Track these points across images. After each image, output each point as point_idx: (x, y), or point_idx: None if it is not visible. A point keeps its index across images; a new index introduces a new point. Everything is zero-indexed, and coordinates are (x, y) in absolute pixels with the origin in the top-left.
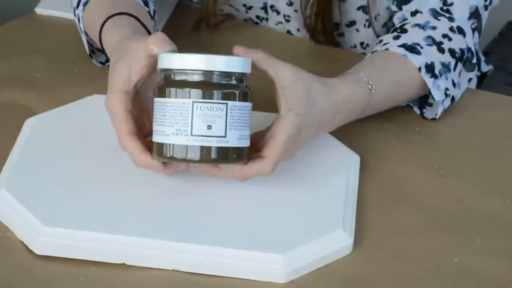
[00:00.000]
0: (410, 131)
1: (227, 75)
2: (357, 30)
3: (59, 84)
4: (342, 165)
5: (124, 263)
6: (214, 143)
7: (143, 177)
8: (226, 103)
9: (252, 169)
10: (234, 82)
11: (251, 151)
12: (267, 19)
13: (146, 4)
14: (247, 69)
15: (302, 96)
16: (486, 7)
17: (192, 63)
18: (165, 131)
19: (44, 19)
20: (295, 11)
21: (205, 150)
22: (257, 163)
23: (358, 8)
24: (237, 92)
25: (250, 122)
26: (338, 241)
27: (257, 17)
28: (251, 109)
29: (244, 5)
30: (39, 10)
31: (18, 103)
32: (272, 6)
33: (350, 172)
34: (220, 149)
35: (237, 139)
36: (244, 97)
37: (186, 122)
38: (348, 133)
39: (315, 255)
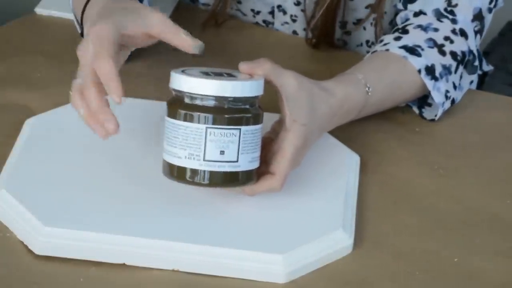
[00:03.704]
0: (410, 132)
1: (240, 100)
2: (364, 28)
3: (59, 84)
4: (342, 166)
5: (124, 263)
6: (226, 168)
7: (143, 177)
8: (240, 129)
9: (262, 187)
10: (247, 106)
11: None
12: (273, 24)
13: (141, 1)
14: (260, 92)
15: (305, 105)
16: (490, 10)
17: (206, 88)
18: (177, 153)
19: (44, 19)
20: (302, 11)
21: (216, 174)
22: (267, 181)
23: (367, 7)
24: (250, 116)
25: (261, 142)
26: (338, 241)
27: (264, 21)
28: (262, 129)
29: (252, 10)
30: (39, 10)
31: (18, 103)
32: (279, 6)
33: (350, 173)
34: (231, 174)
35: (249, 162)
36: (256, 120)
37: (199, 147)
38: (348, 133)
39: (315, 255)
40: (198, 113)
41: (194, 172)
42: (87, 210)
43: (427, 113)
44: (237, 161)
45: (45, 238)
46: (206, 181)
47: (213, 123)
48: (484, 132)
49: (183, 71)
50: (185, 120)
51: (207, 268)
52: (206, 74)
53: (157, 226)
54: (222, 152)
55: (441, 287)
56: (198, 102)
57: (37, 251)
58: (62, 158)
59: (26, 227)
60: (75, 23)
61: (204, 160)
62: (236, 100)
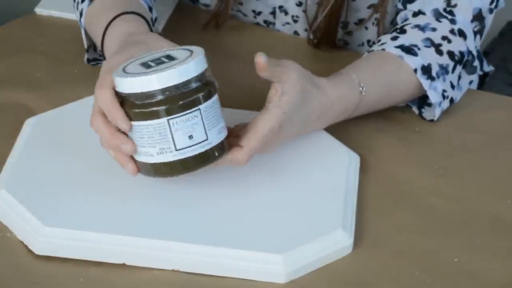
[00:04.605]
0: (410, 131)
1: (189, 82)
2: (366, 28)
3: (59, 84)
4: (342, 165)
5: (124, 263)
6: (199, 149)
7: (143, 177)
8: (199, 108)
9: (226, 158)
10: (198, 84)
11: (231, 137)
12: (274, 24)
13: (150, 10)
14: (204, 66)
15: (295, 100)
16: (491, 10)
17: (153, 84)
18: (148, 152)
19: (44, 19)
20: (304, 11)
21: (191, 159)
22: (233, 153)
23: (369, 7)
24: (204, 92)
25: (221, 110)
26: (338, 241)
27: (265, 21)
28: (219, 98)
29: (253, 11)
30: (39, 10)
31: (18, 103)
32: (281, 7)
33: (350, 172)
34: (205, 152)
35: (217, 134)
36: (210, 94)
37: (167, 140)
38: (348, 133)
39: (315, 255)
40: (154, 109)
41: (170, 164)
42: (87, 210)
43: (427, 113)
44: (207, 139)
45: (45, 238)
46: (184, 170)
47: (172, 114)
48: (484, 132)
49: (124, 70)
50: (144, 119)
51: (207, 268)
52: (147, 66)
53: (157, 226)
54: (191, 137)
55: (441, 287)
56: (150, 99)
57: (37, 251)
58: (62, 158)
59: (26, 227)
60: (83, 36)
61: (176, 150)
62: (185, 83)
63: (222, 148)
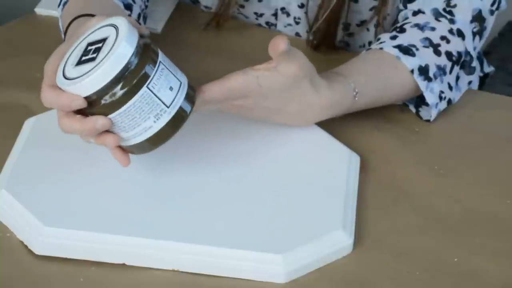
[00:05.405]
0: (410, 131)
1: (136, 48)
2: (368, 29)
3: None
4: (342, 165)
5: (124, 263)
6: (182, 94)
7: (143, 177)
8: (160, 62)
9: None
10: (140, 48)
11: None
12: (275, 25)
13: (129, 7)
14: (136, 34)
15: (279, 85)
16: (492, 12)
17: (112, 71)
18: (146, 126)
19: (44, 19)
20: (306, 13)
21: (183, 105)
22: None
23: (371, 9)
24: (153, 47)
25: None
26: (338, 241)
27: (267, 23)
28: None
29: (255, 13)
30: (39, 10)
31: (18, 103)
32: (283, 9)
33: (350, 172)
34: (188, 93)
35: (181, 75)
36: (156, 47)
37: (156, 104)
38: (348, 133)
39: (315, 255)
40: (131, 86)
41: (172, 121)
42: (87, 210)
43: (424, 112)
44: (181, 82)
45: (45, 238)
46: (183, 119)
47: (147, 79)
48: (483, 132)
49: (66, 77)
50: (128, 100)
51: (207, 268)
52: (85, 61)
53: (157, 226)
54: (171, 88)
55: (441, 287)
56: (120, 83)
57: (37, 251)
58: (62, 158)
59: (26, 227)
60: (63, 37)
61: (168, 107)
62: (137, 51)
63: (192, 88)
